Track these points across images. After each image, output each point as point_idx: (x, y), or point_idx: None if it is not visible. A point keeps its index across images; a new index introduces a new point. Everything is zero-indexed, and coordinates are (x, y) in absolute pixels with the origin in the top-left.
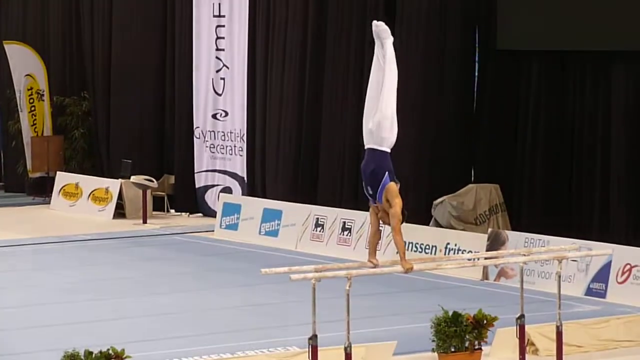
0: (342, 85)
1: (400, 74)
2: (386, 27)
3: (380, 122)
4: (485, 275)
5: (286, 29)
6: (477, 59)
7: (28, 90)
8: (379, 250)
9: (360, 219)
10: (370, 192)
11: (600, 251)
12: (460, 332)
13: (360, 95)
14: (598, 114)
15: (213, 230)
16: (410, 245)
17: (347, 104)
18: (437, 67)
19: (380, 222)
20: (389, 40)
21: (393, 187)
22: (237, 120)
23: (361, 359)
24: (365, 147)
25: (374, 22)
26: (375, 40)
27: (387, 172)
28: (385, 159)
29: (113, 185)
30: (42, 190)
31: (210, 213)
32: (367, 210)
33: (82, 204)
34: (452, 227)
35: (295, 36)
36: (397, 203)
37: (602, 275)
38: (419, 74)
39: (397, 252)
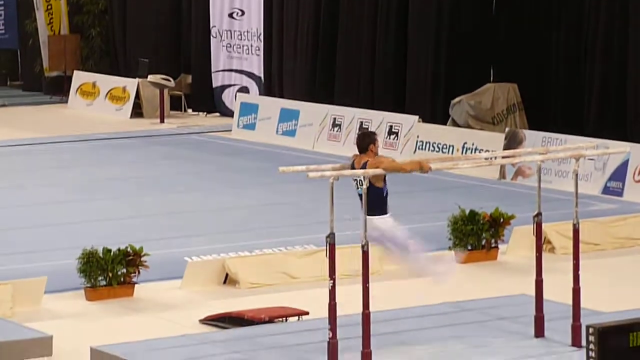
0: None
1: None
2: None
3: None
4: (503, 175)
5: None
6: None
7: None
8: (396, 150)
9: (377, 118)
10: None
11: (618, 149)
12: (477, 230)
13: None
14: (615, 14)
15: (230, 130)
16: (428, 144)
17: (365, 3)
18: None
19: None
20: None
21: (370, 165)
22: (254, 20)
23: (378, 257)
24: None
25: None
26: None
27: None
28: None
29: (130, 84)
30: (59, 89)
31: (228, 113)
32: (384, 110)
33: (100, 103)
34: (469, 127)
35: None
36: (383, 160)
37: (619, 174)
38: None
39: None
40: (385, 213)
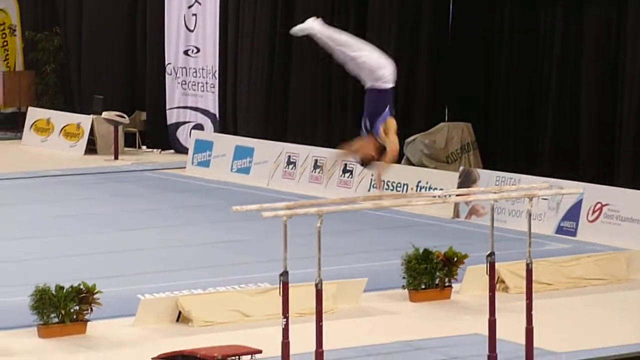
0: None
1: (375, 11)
2: (304, 27)
3: (369, 64)
4: (457, 214)
5: None
6: None
7: (0, 25)
8: (351, 188)
9: (332, 156)
10: (368, 125)
11: (571, 190)
12: (430, 269)
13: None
14: (569, 54)
15: (185, 167)
16: (382, 183)
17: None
18: (413, 5)
19: (366, 158)
20: (312, 32)
21: (393, 121)
22: (209, 57)
23: (332, 295)
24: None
25: (292, 32)
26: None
27: (388, 106)
28: (387, 94)
29: (85, 121)
30: (13, 125)
31: (182, 150)
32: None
33: (54, 140)
34: (423, 165)
35: None
36: (395, 141)
37: (573, 213)
38: (394, 11)
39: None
40: None
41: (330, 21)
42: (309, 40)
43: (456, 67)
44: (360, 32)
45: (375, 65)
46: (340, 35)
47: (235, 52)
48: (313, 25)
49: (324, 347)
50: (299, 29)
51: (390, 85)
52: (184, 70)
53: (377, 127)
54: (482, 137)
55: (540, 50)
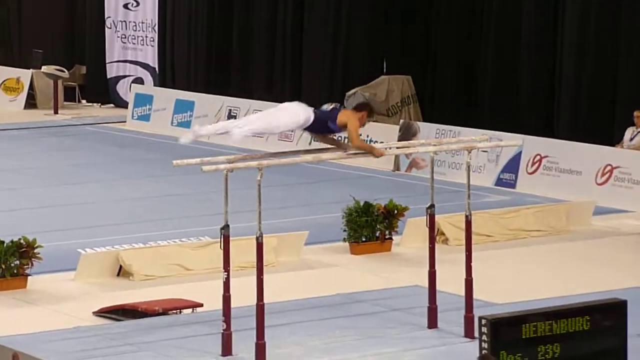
0: None
1: None
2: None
3: (288, 127)
4: (397, 166)
5: None
6: None
7: None
8: (292, 142)
9: None
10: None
11: (510, 142)
12: (371, 221)
13: None
14: (508, 4)
15: (125, 121)
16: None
17: None
18: None
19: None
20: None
21: (344, 111)
22: (149, 11)
23: (273, 248)
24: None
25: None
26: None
27: (329, 123)
28: (319, 119)
29: (24, 75)
30: None
31: (122, 104)
32: (281, 101)
33: None
34: None
35: None
36: (351, 120)
37: (512, 165)
38: None
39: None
40: None
41: None
42: None
43: (395, 19)
44: None
45: (291, 124)
46: (247, 123)
47: (174, 5)
48: (199, 132)
49: (265, 300)
50: (186, 140)
51: (312, 117)
52: (123, 23)
53: (337, 128)
54: (422, 90)
55: (479, 1)
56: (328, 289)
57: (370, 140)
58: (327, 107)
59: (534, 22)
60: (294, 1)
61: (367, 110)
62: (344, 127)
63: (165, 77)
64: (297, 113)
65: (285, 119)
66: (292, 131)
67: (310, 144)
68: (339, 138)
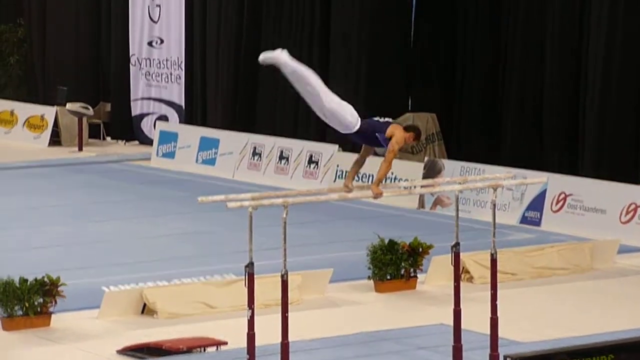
0: (281, 8)
1: (338, 2)
2: (271, 56)
3: (333, 115)
4: (422, 204)
5: None
6: None
7: None
8: (317, 179)
9: (298, 147)
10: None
11: (535, 179)
12: (396, 259)
13: (301, 18)
14: (532, 42)
15: (150, 159)
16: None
17: (287, 28)
18: None
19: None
20: (283, 62)
21: (394, 125)
22: (174, 48)
23: (298, 286)
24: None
25: (260, 60)
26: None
27: (376, 133)
28: (365, 132)
29: (49, 112)
30: None
31: (147, 141)
32: (305, 139)
33: (18, 131)
34: None
35: None
36: (398, 135)
37: (537, 203)
38: (357, 1)
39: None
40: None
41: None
42: (276, 29)
43: (420, 57)
44: (325, 20)
45: (339, 113)
46: (307, 72)
47: (202, 43)
48: (280, 56)
49: (290, 339)
50: (266, 57)
51: (357, 126)
52: (148, 61)
53: (386, 141)
54: (446, 128)
55: (503, 40)
56: (353, 327)
57: (395, 178)
58: (379, 118)
59: (557, 61)
60: (319, 40)
61: (414, 133)
62: (389, 140)
63: (192, 114)
64: (352, 113)
65: (344, 108)
66: (338, 125)
67: (335, 181)
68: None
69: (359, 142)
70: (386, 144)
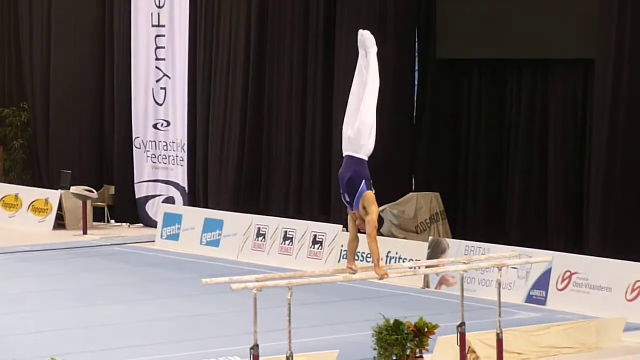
0: (286, 95)
1: (340, 82)
2: (371, 37)
3: (360, 129)
4: (427, 284)
5: (230, 39)
6: (417, 68)
7: None
8: (321, 260)
9: (302, 228)
10: (348, 200)
11: (540, 259)
12: (401, 340)
13: (304, 105)
14: (536, 123)
15: (154, 241)
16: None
17: (291, 114)
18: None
19: (359, 229)
20: (374, 49)
21: (370, 195)
22: (179, 131)
23: None
24: (344, 155)
25: (360, 32)
26: (360, 50)
27: (364, 180)
28: (363, 166)
29: (53, 196)
30: None
31: (152, 224)
32: (308, 220)
33: (22, 215)
34: (393, 236)
35: (237, 45)
36: (374, 211)
37: (543, 282)
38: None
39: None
40: None
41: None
42: (280, 114)
43: (423, 138)
44: (327, 99)
45: (368, 134)
46: (377, 78)
47: (206, 126)
48: (375, 47)
49: None
50: (367, 37)
51: (366, 157)
52: (153, 143)
53: (357, 204)
54: (450, 207)
55: (507, 119)
56: None
57: (400, 258)
58: (369, 178)
59: (561, 141)
60: (322, 123)
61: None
62: (363, 210)
63: (195, 196)
64: (373, 144)
65: (373, 132)
66: (357, 144)
67: (339, 261)
68: None
69: (342, 184)
70: (359, 200)
